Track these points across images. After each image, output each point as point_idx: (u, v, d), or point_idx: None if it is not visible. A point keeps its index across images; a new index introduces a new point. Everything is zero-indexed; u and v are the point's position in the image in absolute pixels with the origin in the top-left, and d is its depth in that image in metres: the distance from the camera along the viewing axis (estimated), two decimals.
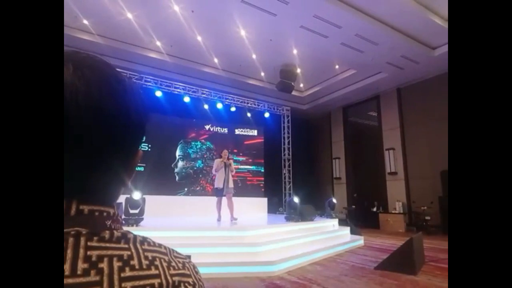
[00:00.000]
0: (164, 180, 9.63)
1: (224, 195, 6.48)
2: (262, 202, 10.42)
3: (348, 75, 11.04)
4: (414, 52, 8.88)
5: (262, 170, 11.70)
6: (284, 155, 11.79)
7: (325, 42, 8.30)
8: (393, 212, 10.69)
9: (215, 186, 6.53)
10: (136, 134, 0.40)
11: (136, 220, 5.02)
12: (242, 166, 11.23)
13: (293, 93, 11.28)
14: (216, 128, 11.19)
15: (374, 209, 11.44)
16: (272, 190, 11.67)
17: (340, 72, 11.17)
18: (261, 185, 11.61)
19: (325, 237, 6.48)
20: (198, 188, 10.45)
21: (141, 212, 5.08)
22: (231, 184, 6.45)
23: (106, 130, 0.35)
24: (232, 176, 6.59)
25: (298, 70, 10.46)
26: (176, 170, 10.18)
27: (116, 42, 8.67)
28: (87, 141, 0.34)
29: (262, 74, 10.95)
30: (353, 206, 12.23)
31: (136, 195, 5.10)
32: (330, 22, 7.38)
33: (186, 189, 10.20)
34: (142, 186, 7.16)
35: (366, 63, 9.61)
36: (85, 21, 7.69)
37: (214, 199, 6.79)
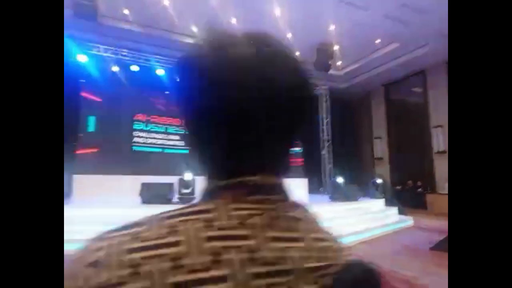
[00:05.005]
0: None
1: None
2: (302, 182, 10.38)
3: (389, 49, 10.38)
4: None
5: (300, 151, 11.57)
6: (323, 135, 11.54)
7: (366, 15, 7.84)
8: (441, 192, 10.15)
9: None
10: (310, 108, 0.41)
11: (189, 199, 5.21)
12: None
13: (331, 71, 10.89)
14: None
15: (420, 189, 10.93)
16: (311, 171, 11.54)
17: (381, 47, 10.53)
18: (301, 165, 11.52)
19: (372, 216, 6.33)
20: None
21: (193, 192, 5.28)
22: None
23: (287, 108, 0.36)
24: None
25: (336, 48, 10.03)
26: None
27: (152, 29, 8.87)
28: (271, 119, 0.35)
29: (298, 53, 10.66)
30: (399, 187, 11.76)
31: (187, 176, 5.29)
32: None
33: None
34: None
35: (410, 35, 8.96)
36: (126, 11, 7.92)
37: None
